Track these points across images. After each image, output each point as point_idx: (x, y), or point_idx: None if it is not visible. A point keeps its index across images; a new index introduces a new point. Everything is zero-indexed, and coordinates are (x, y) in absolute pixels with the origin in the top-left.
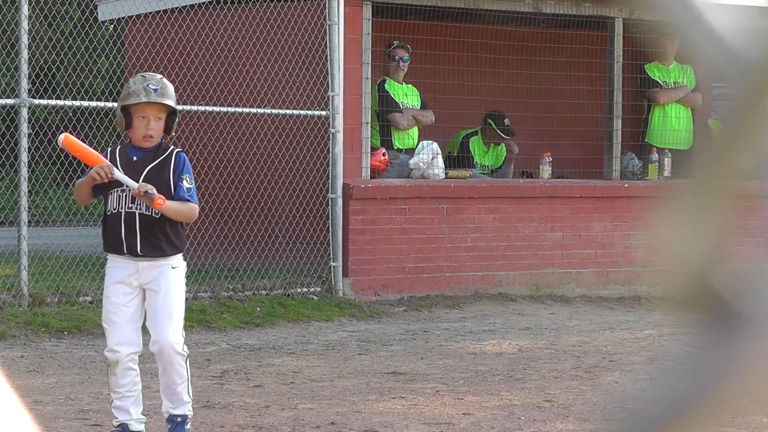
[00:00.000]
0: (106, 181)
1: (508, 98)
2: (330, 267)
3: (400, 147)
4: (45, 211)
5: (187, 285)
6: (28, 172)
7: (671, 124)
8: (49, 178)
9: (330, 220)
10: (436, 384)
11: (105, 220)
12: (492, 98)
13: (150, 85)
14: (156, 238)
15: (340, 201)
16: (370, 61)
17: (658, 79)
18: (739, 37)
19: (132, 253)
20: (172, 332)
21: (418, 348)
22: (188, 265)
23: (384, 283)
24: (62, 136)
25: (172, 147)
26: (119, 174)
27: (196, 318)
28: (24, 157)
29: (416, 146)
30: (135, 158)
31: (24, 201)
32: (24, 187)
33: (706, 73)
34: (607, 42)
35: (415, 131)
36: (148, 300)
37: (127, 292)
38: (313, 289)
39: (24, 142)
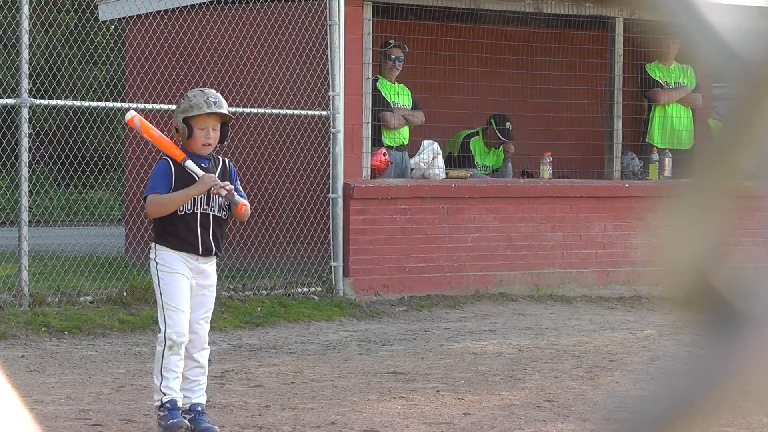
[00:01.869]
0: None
1: (508, 98)
2: (330, 267)
3: (391, 144)
4: (45, 211)
5: None
6: (29, 172)
7: (672, 124)
8: (50, 178)
9: (330, 220)
10: (437, 384)
11: (173, 221)
12: (493, 98)
13: (210, 98)
14: (222, 237)
15: (340, 201)
16: (370, 61)
17: (658, 79)
18: (739, 37)
19: (206, 252)
20: (207, 326)
21: (419, 348)
22: None
23: (384, 283)
24: (131, 113)
25: (221, 157)
26: (192, 165)
27: None
28: (25, 156)
29: (408, 143)
30: (202, 164)
31: (24, 201)
32: (24, 186)
33: (706, 73)
34: (608, 42)
35: (406, 129)
36: (197, 294)
37: (190, 283)
38: (313, 289)
39: (25, 142)
